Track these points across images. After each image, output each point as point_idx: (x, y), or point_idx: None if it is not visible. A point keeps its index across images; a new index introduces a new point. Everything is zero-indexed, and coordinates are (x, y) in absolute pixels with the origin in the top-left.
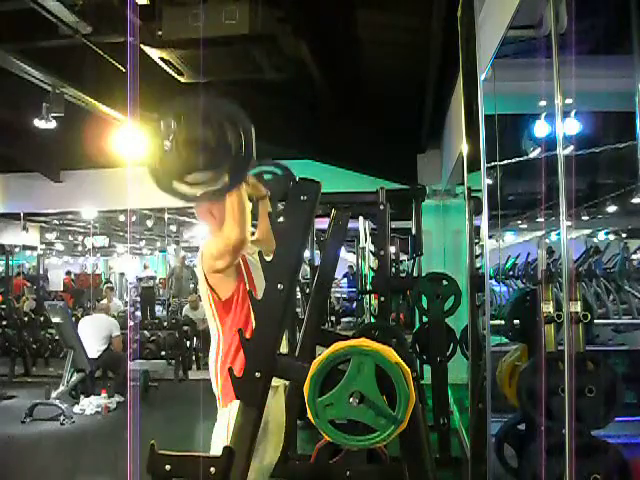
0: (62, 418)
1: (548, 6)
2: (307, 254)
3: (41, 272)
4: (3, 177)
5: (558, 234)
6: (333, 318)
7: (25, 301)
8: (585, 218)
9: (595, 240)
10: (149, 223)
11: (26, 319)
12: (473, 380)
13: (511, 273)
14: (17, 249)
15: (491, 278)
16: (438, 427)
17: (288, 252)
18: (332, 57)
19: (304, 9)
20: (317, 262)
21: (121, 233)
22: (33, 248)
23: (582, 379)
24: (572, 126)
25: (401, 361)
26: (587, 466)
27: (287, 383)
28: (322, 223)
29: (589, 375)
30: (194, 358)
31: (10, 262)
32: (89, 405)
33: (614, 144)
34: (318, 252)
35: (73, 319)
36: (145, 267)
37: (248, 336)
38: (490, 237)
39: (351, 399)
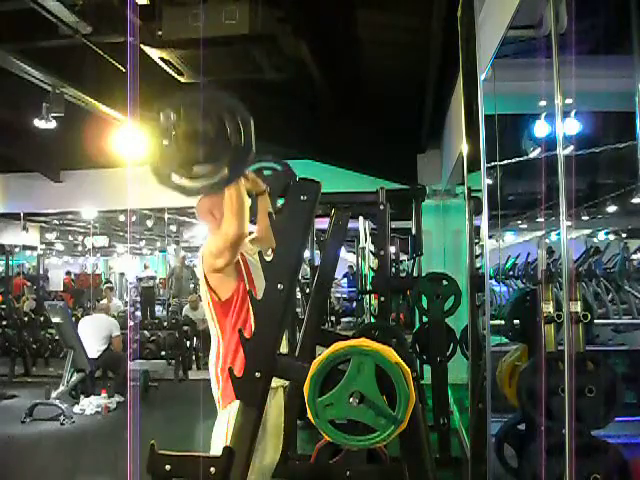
0: (62, 418)
1: (548, 6)
2: (307, 254)
3: (41, 272)
4: (3, 177)
5: (558, 234)
6: (333, 318)
7: (25, 301)
8: (585, 218)
9: (595, 240)
10: (149, 223)
11: (26, 319)
12: (473, 380)
13: (511, 273)
14: (17, 249)
15: (491, 278)
16: (438, 427)
17: (288, 252)
18: (332, 57)
19: (304, 9)
20: (317, 262)
21: (121, 233)
22: (33, 248)
23: (582, 379)
24: (572, 126)
25: (401, 361)
26: (587, 466)
27: (286, 385)
28: (322, 223)
29: (589, 375)
30: (194, 358)
31: (10, 262)
32: (89, 405)
33: (614, 144)
34: (318, 252)
35: (73, 319)
36: (145, 267)
37: (248, 336)
38: (490, 237)
39: (351, 399)
